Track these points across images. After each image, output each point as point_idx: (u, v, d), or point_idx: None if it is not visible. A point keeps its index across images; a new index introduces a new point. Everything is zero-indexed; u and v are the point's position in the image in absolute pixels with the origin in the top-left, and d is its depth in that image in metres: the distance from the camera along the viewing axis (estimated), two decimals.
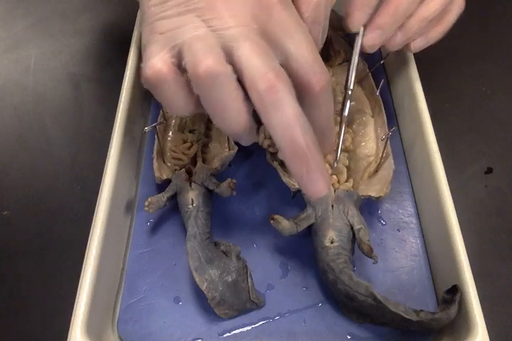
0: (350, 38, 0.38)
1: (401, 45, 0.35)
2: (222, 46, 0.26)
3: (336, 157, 0.33)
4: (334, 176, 0.34)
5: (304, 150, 0.26)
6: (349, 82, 0.34)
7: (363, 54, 0.41)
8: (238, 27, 0.26)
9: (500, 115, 0.44)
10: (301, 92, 0.28)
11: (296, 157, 0.26)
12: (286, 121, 0.26)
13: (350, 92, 0.34)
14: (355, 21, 0.32)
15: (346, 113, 0.33)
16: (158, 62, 0.26)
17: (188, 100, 0.27)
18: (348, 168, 0.35)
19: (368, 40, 0.33)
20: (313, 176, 0.27)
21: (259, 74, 0.25)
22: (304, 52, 0.27)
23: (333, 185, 0.34)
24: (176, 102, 0.27)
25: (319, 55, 0.28)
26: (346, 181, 0.34)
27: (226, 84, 0.26)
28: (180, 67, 0.27)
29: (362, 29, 0.33)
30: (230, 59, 0.26)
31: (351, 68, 0.34)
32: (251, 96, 0.26)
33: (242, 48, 0.25)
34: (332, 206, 0.32)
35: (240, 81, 0.26)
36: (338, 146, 0.33)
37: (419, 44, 0.35)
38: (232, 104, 0.26)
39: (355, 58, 0.34)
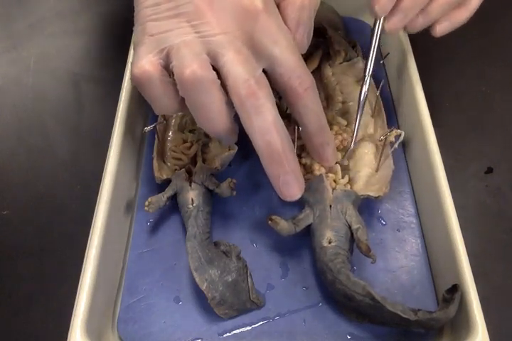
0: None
1: (421, 28, 0.35)
2: (209, 52, 0.27)
3: (350, 145, 0.35)
4: (331, 175, 0.34)
5: (280, 154, 0.27)
6: (368, 67, 0.35)
7: (363, 53, 0.41)
8: (224, 34, 0.27)
9: (501, 115, 0.44)
10: (288, 96, 0.29)
11: (272, 160, 0.28)
12: (264, 126, 0.27)
13: (367, 79, 0.35)
14: (382, 6, 0.32)
15: (362, 97, 0.34)
16: (146, 63, 0.27)
17: (172, 99, 0.28)
18: (347, 167, 0.35)
19: (391, 24, 0.33)
20: (287, 179, 0.28)
21: (241, 80, 0.26)
22: (288, 57, 0.28)
23: (330, 184, 0.34)
24: (161, 101, 0.29)
25: (302, 59, 0.29)
26: (342, 178, 0.34)
27: (209, 88, 0.27)
28: (168, 68, 0.28)
29: None
30: (216, 64, 0.27)
31: (371, 53, 0.34)
32: (233, 101, 0.27)
33: (227, 55, 0.27)
34: (330, 206, 0.32)
35: (224, 86, 0.27)
36: (354, 134, 0.34)
37: (444, 28, 0.35)
38: (214, 106, 0.27)
39: (375, 42, 0.34)
